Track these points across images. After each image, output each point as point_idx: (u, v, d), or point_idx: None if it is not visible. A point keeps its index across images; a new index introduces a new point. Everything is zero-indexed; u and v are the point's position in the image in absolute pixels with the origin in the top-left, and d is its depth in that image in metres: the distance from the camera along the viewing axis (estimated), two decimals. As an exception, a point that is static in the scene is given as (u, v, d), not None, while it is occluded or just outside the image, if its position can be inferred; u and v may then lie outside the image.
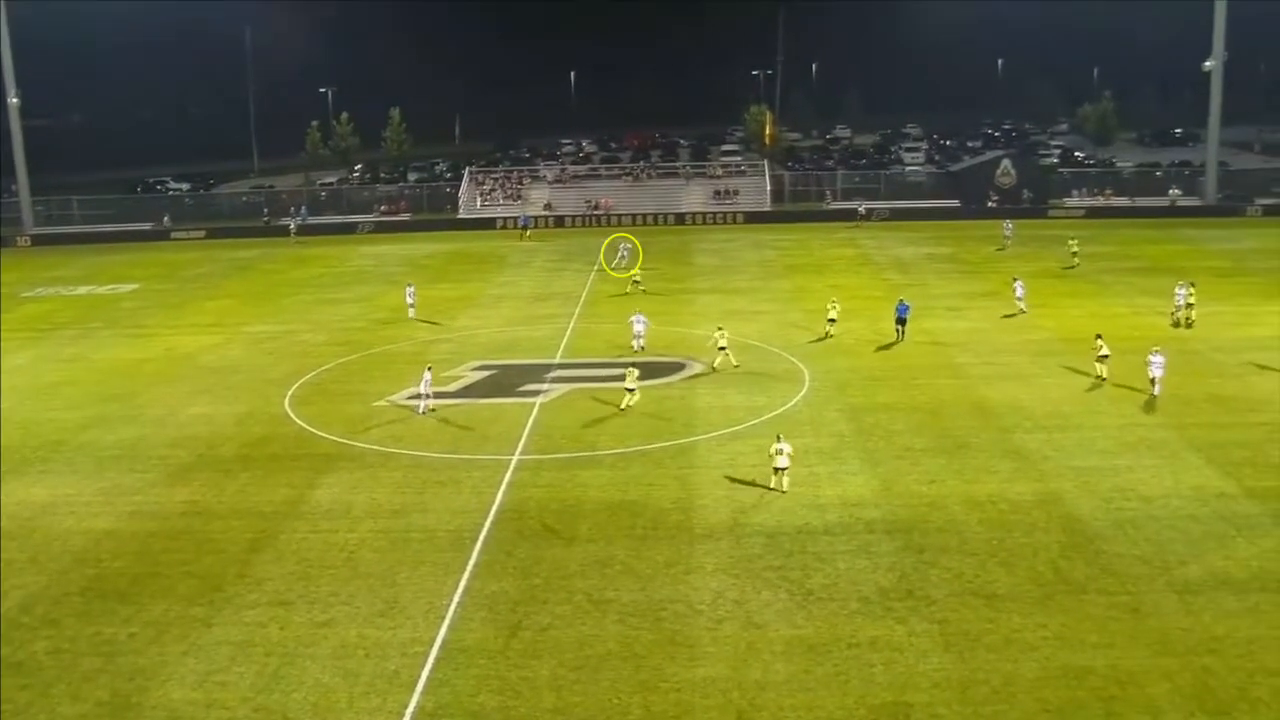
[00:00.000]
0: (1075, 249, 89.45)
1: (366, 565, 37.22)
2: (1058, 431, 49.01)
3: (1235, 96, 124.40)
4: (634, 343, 63.57)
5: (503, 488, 43.77)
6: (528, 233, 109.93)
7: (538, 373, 59.84)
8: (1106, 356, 56.55)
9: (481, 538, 39.14)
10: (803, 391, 55.55)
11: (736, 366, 59.63)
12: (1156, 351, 52.65)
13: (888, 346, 63.91)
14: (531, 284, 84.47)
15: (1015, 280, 73.62)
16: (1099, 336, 57.45)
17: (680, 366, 60.34)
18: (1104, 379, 56.21)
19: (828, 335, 66.35)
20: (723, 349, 59.51)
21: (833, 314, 67.37)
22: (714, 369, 59.40)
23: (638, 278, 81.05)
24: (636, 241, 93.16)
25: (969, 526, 39.40)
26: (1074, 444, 47.44)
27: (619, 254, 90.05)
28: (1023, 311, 71.22)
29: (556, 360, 62.73)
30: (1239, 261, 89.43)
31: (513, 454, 47.48)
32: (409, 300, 74.67)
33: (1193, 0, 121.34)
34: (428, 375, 53.77)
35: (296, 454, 48.47)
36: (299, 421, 52.89)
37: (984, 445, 47.32)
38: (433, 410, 53.22)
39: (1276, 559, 36.59)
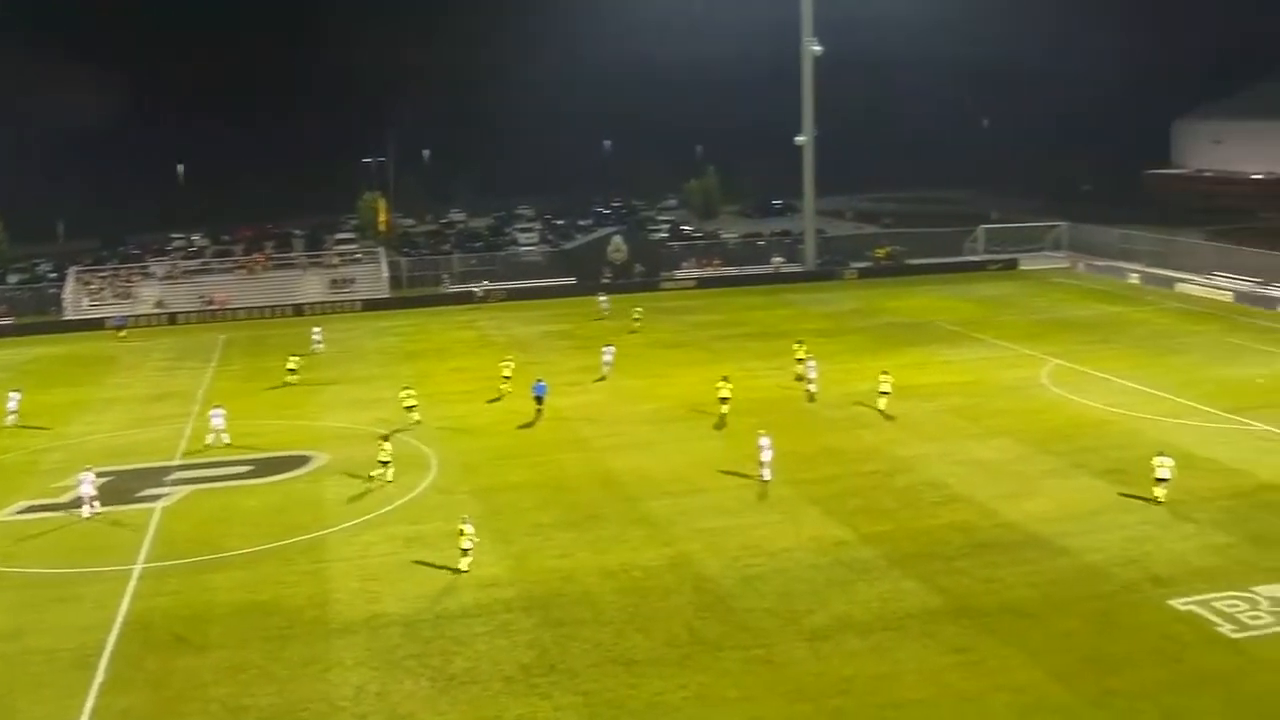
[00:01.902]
0: (638, 316, 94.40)
1: (-20, 693, 34.91)
2: (683, 496, 50.35)
3: (827, 169, 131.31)
4: (209, 437, 62.61)
5: (127, 599, 41.89)
6: (123, 333, 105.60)
7: (157, 476, 57.48)
8: (726, 399, 60.57)
9: (107, 653, 37.37)
10: (431, 476, 55.27)
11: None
12: (763, 434, 52.89)
13: (528, 425, 64.40)
14: (146, 385, 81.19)
15: (605, 347, 77.35)
16: (725, 378, 60.73)
17: (305, 460, 59.13)
18: (724, 417, 60.55)
19: (501, 395, 69.62)
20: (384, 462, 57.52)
21: (506, 372, 71.42)
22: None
23: (293, 367, 78.88)
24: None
25: (604, 596, 39.96)
26: (699, 507, 48.83)
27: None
28: (604, 377, 75.11)
29: (176, 462, 60.38)
30: (840, 322, 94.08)
31: (135, 563, 45.49)
32: (10, 407, 70.20)
33: (784, 83, 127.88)
34: (89, 475, 51.65)
35: (-106, 581, 45.08)
36: (-105, 546, 49.23)
37: (613, 515, 48.12)
38: (99, 514, 50.76)
39: (894, 599, 38.58)
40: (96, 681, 35.43)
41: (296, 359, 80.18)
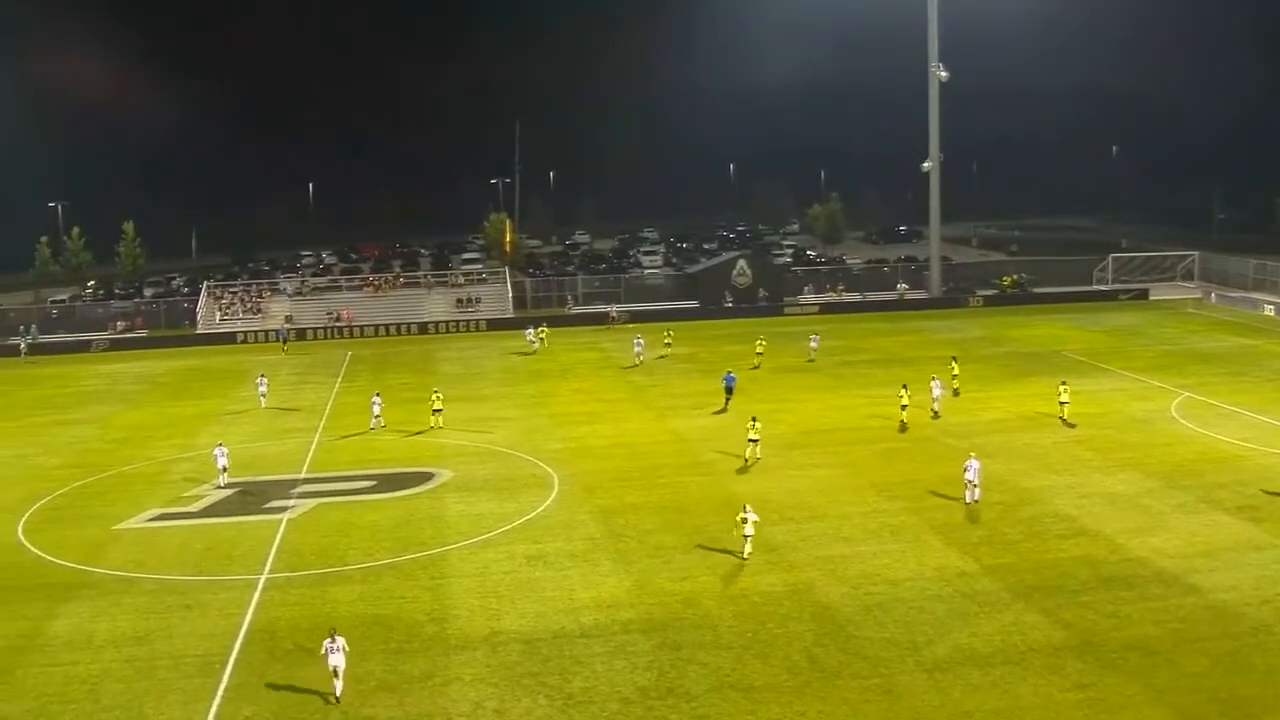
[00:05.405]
0: (668, 340, 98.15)
1: (110, 697, 35.68)
2: (804, 522, 50.12)
3: (952, 195, 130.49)
4: (372, 422, 71.25)
5: (251, 608, 42.63)
6: (286, 345, 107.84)
7: (283, 488, 58.54)
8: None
9: (232, 661, 38.00)
10: (552, 496, 55.61)
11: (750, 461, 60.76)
12: (973, 456, 52.52)
13: (721, 411, 65.00)
14: (274, 398, 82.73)
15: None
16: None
17: (428, 476, 59.81)
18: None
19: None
20: (754, 440, 60.54)
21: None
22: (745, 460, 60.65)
23: (669, 341, 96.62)
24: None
25: (723, 620, 39.89)
26: (820, 533, 48.59)
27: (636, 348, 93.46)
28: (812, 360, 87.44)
29: (302, 475, 61.45)
30: (965, 350, 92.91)
31: (261, 573, 46.30)
32: (260, 390, 79.80)
33: (910, 107, 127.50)
34: (223, 449, 59.75)
35: (32, 584, 46.24)
36: (34, 549, 50.51)
37: (735, 540, 47.99)
38: (232, 483, 58.51)
39: (1016, 632, 38.04)
40: (220, 688, 36.04)
41: (666, 337, 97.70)
